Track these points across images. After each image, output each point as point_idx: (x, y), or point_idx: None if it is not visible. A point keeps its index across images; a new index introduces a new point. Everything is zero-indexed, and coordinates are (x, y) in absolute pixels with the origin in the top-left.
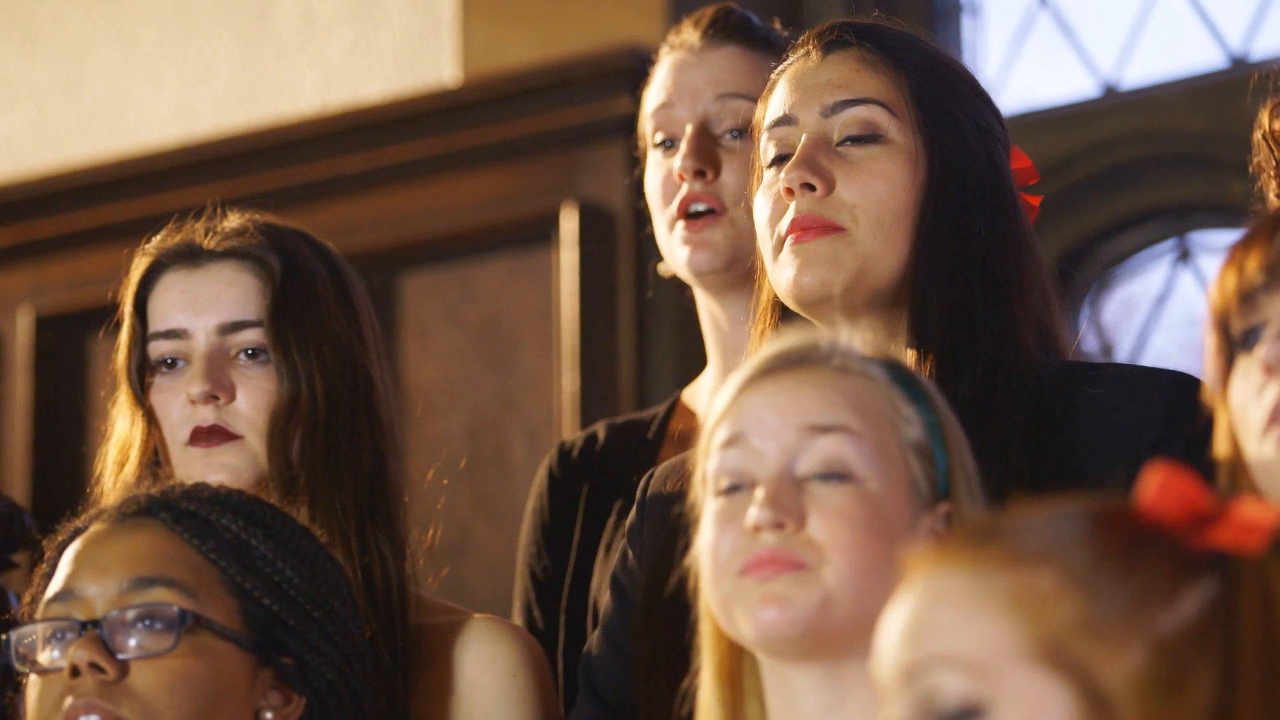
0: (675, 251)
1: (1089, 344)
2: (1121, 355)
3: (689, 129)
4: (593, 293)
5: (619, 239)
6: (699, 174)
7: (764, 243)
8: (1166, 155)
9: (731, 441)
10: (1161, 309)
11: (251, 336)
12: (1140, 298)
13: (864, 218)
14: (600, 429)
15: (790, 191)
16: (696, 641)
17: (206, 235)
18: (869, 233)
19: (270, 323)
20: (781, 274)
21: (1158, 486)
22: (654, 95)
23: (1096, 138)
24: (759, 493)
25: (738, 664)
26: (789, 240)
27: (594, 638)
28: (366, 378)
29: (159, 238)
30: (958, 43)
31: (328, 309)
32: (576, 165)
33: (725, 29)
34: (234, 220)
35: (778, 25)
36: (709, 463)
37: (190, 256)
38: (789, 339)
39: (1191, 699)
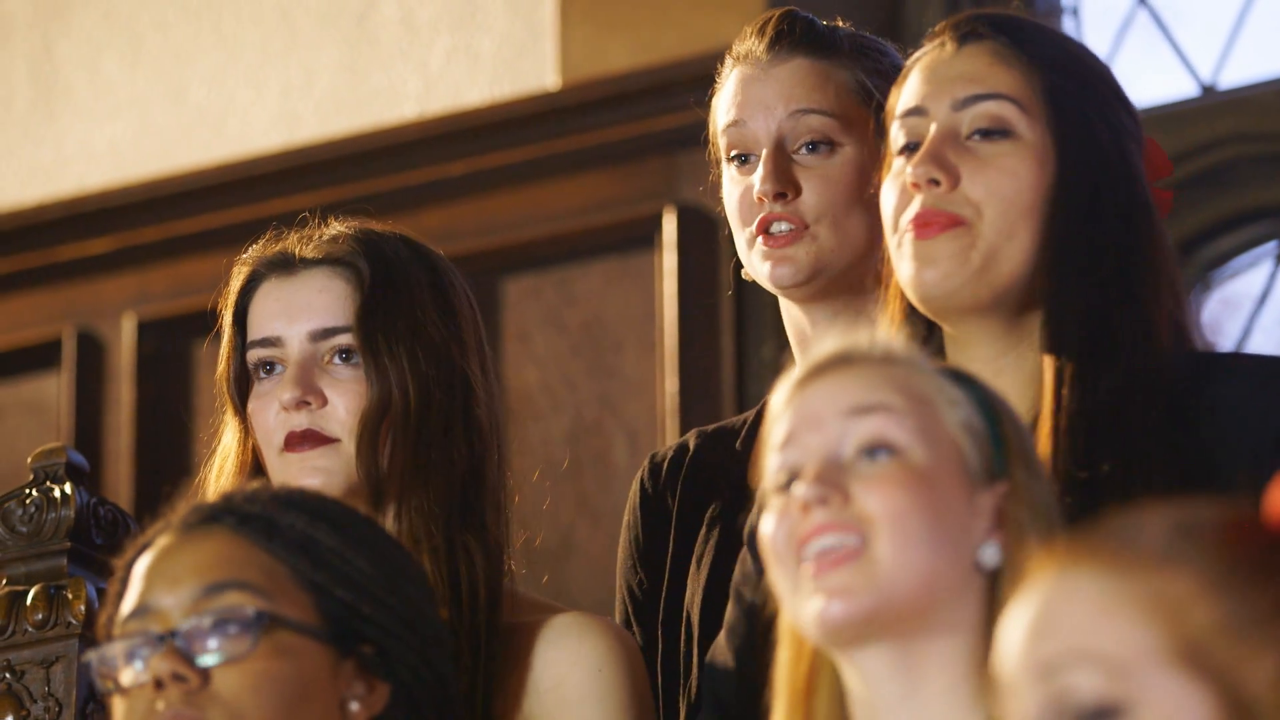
0: (757, 266)
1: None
2: None
3: (764, 150)
4: (693, 296)
5: (719, 242)
6: (779, 195)
7: (888, 232)
8: (1266, 155)
9: (786, 441)
10: (1262, 310)
11: (342, 341)
12: (1240, 298)
13: (988, 213)
14: (691, 439)
15: (916, 185)
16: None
17: (301, 243)
18: (993, 228)
19: (359, 327)
20: (903, 269)
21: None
22: (724, 111)
23: (1195, 138)
24: (805, 470)
25: (811, 666)
26: (910, 236)
27: (716, 643)
28: (464, 381)
29: (256, 247)
30: None
31: (423, 313)
32: (677, 169)
33: (791, 42)
34: (333, 228)
35: (840, 22)
36: (767, 465)
37: (285, 265)
38: (830, 344)
39: None
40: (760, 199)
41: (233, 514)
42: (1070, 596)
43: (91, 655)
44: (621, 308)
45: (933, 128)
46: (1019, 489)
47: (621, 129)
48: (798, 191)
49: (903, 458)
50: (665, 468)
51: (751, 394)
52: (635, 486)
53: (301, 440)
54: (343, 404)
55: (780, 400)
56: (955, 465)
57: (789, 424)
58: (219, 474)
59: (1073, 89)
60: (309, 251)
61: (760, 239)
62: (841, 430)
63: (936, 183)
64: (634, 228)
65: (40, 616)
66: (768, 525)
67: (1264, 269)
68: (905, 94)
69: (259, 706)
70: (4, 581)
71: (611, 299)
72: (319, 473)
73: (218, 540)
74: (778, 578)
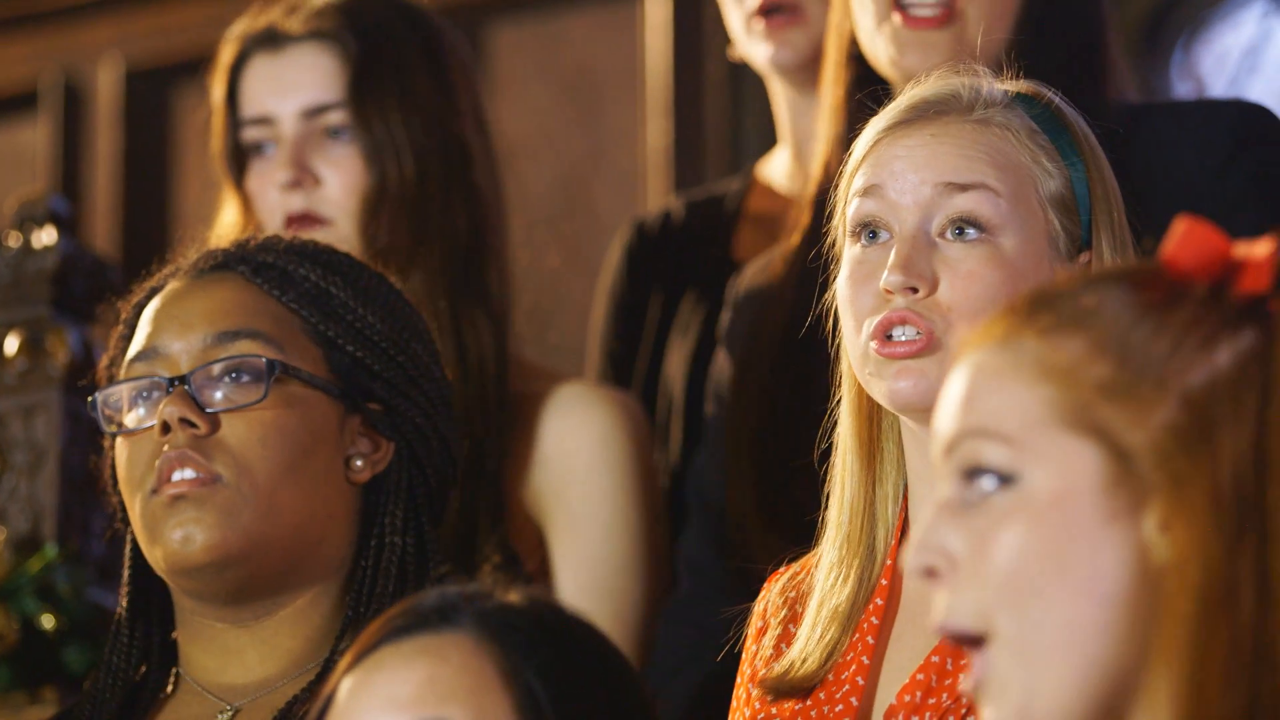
0: (754, 48)
1: (1183, 92)
2: None
3: None
4: (683, 43)
5: None
6: None
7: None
8: None
9: (869, 191)
10: (1256, 59)
11: (335, 118)
12: (1230, 48)
13: None
14: (678, 206)
15: None
16: (836, 377)
17: (286, 16)
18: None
19: (351, 102)
20: (882, 50)
21: (1177, 238)
22: None
23: None
24: (893, 254)
25: (876, 408)
26: (899, 21)
27: (701, 454)
28: (461, 147)
29: (244, 20)
30: None
31: (415, 81)
32: None
33: None
34: None
35: None
36: (848, 209)
37: (272, 40)
38: (928, 86)
39: (1220, 451)
40: None
41: (246, 262)
42: (974, 372)
43: (96, 395)
44: (609, 56)
45: None
46: (1100, 262)
47: None
48: None
49: (992, 241)
50: (651, 234)
51: (743, 143)
52: (619, 254)
53: (300, 222)
54: (337, 182)
55: (867, 140)
56: (1042, 244)
57: (874, 172)
58: None
59: None
60: (294, 26)
61: (759, 22)
62: (933, 201)
63: None
64: None
65: (22, 365)
66: (845, 283)
67: (1253, 18)
68: None
69: (264, 457)
70: None
71: (598, 47)
72: None
73: (230, 287)
74: (849, 340)
